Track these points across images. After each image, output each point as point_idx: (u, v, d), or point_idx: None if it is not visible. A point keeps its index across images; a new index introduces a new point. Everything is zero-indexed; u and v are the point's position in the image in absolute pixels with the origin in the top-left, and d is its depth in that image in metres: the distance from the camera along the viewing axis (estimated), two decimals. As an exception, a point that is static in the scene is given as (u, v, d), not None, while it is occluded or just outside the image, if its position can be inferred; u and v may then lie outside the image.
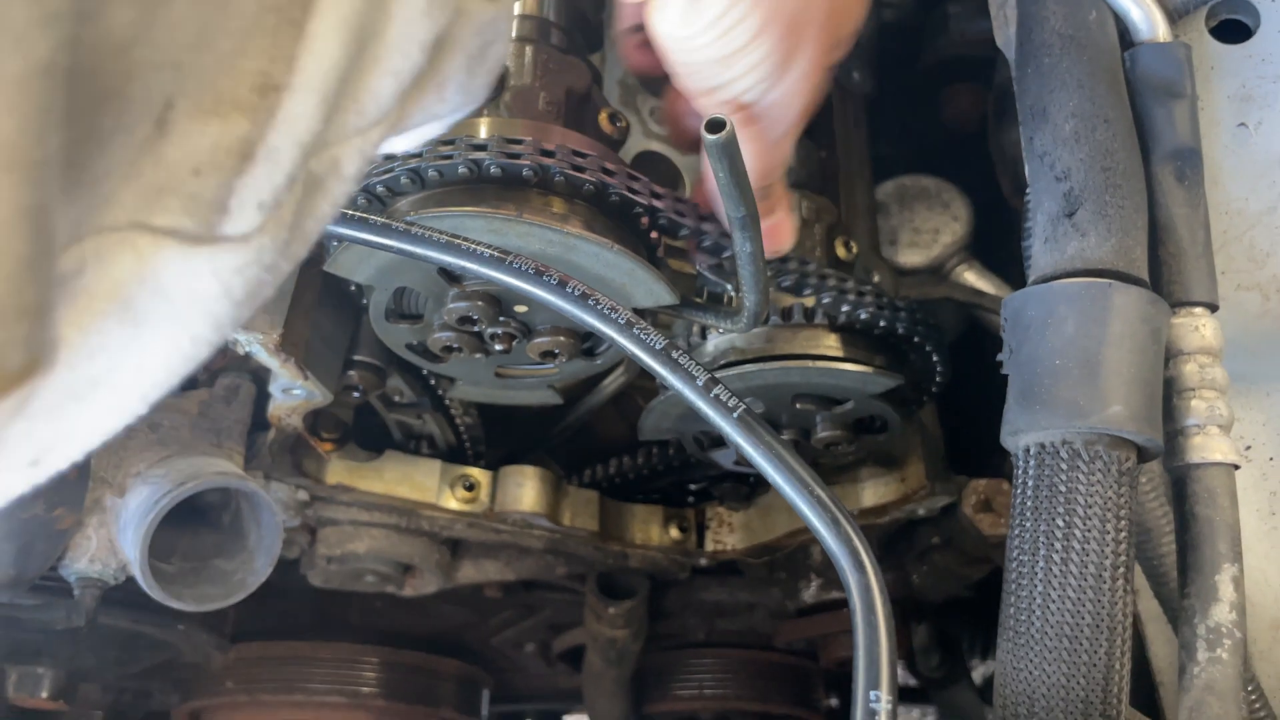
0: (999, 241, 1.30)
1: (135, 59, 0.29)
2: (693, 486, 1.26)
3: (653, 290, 0.78)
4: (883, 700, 0.50)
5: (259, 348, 0.82)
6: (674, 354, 0.59)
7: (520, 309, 0.81)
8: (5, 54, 0.25)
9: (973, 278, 1.21)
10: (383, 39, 0.36)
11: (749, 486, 1.22)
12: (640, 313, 0.72)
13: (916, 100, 1.46)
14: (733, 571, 1.33)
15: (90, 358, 0.33)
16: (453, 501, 1.08)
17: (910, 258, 1.22)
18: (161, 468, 0.88)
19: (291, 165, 0.34)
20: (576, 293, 0.61)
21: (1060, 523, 0.69)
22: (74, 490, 0.83)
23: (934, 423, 1.12)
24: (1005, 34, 0.96)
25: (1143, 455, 0.72)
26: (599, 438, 1.24)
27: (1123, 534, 0.69)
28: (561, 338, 0.82)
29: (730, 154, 0.65)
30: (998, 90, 1.28)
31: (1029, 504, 0.70)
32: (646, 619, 1.26)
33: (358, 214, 0.66)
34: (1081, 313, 0.71)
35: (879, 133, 1.31)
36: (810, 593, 1.21)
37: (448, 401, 1.05)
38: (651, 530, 1.21)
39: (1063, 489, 0.70)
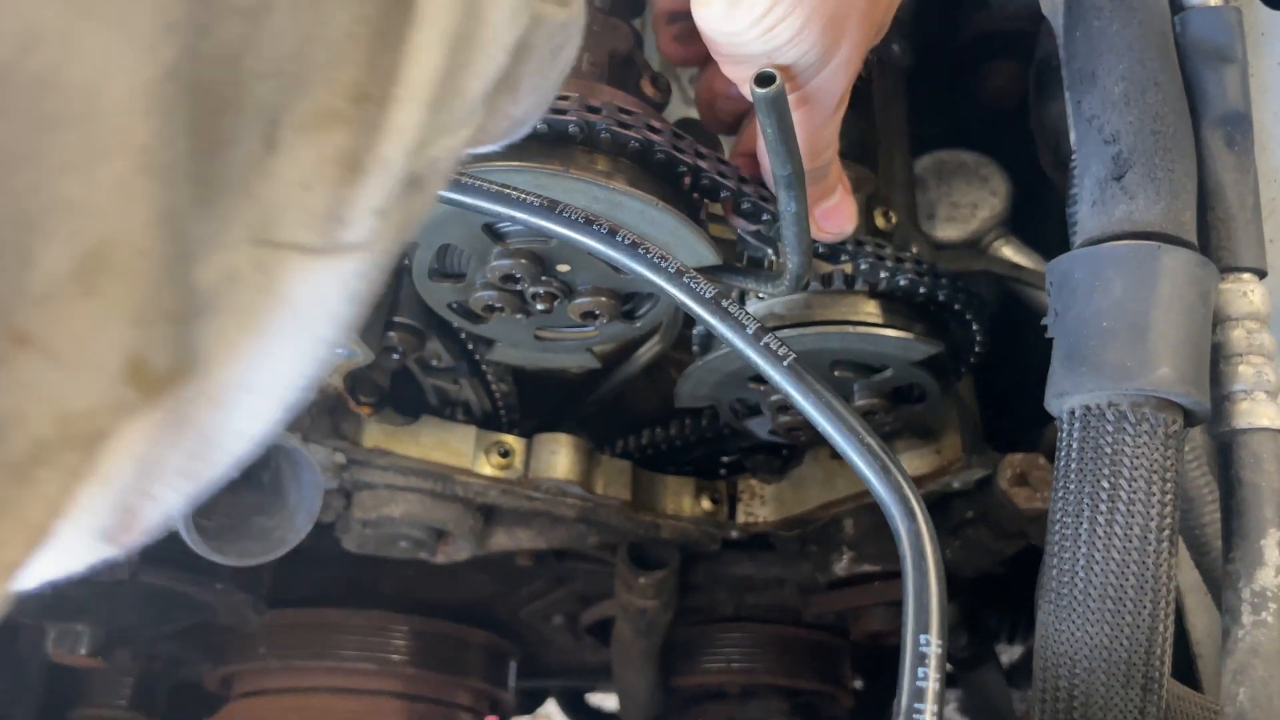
0: (1038, 218, 1.29)
1: (245, 69, 0.31)
2: (725, 459, 1.26)
3: (695, 250, 0.78)
4: (932, 644, 0.50)
5: (303, 304, 0.83)
6: (724, 302, 0.59)
7: (563, 268, 0.81)
8: (138, 60, 0.27)
9: (1011, 252, 1.20)
10: (475, 43, 0.38)
11: (782, 459, 1.22)
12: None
13: (955, 76, 1.45)
14: (763, 546, 1.33)
15: (226, 369, 0.34)
16: (487, 467, 1.09)
17: (948, 232, 1.21)
18: (204, 424, 0.88)
19: (402, 172, 0.36)
20: (626, 241, 0.61)
21: (1105, 484, 0.69)
22: (119, 443, 0.84)
23: (971, 396, 1.11)
24: (1051, 1, 0.95)
25: (1190, 419, 0.71)
26: (631, 409, 1.24)
27: (1169, 496, 0.68)
28: (603, 298, 0.83)
29: (779, 109, 0.65)
30: (1039, 64, 1.27)
31: (1073, 466, 0.70)
32: (677, 590, 1.27)
33: (407, 165, 0.66)
34: (1129, 275, 0.71)
35: (918, 110, 1.31)
36: (842, 565, 1.21)
37: (484, 367, 1.05)
38: (683, 501, 1.21)
39: (1108, 451, 0.69)
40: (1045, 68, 1.26)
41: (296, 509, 0.92)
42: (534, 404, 1.16)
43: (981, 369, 1.17)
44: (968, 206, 1.23)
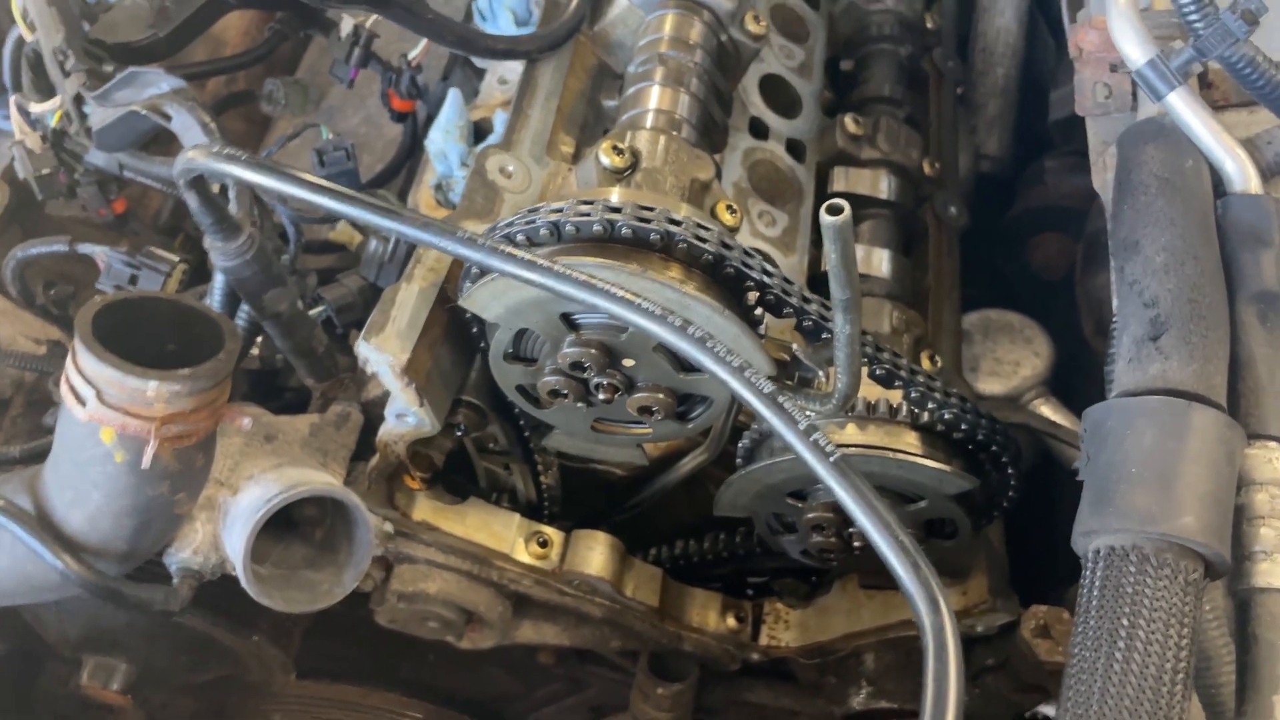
0: (1077, 382, 1.34)
1: None
2: (753, 580, 1.29)
3: (753, 358, 0.84)
4: (948, 730, 0.53)
5: (386, 369, 0.90)
6: (780, 398, 0.64)
7: (628, 363, 0.87)
8: None
9: (1049, 411, 1.25)
10: None
11: (810, 585, 1.24)
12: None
13: (1007, 245, 1.53)
14: (780, 676, 1.33)
15: None
16: (525, 555, 1.12)
17: (989, 385, 1.27)
18: (274, 473, 0.94)
19: None
20: (697, 335, 0.67)
21: (1125, 623, 0.71)
22: (196, 479, 0.90)
23: (1000, 541, 1.14)
24: (1103, 178, 1.03)
25: (1210, 570, 0.74)
26: (666, 520, 1.28)
27: (1185, 641, 0.71)
28: (661, 395, 0.88)
29: (844, 237, 0.72)
30: (1088, 239, 1.35)
31: (1094, 603, 0.73)
32: (692, 706, 1.27)
33: (506, 249, 0.73)
34: (1160, 427, 0.75)
35: (969, 272, 1.38)
36: (859, 700, 1.21)
37: (536, 456, 1.10)
38: (709, 615, 1.23)
39: (1129, 591, 0.72)
40: (1094, 242, 1.33)
41: (345, 566, 0.96)
42: (575, 503, 1.21)
43: (1011, 524, 1.20)
44: (1010, 364, 1.28)
